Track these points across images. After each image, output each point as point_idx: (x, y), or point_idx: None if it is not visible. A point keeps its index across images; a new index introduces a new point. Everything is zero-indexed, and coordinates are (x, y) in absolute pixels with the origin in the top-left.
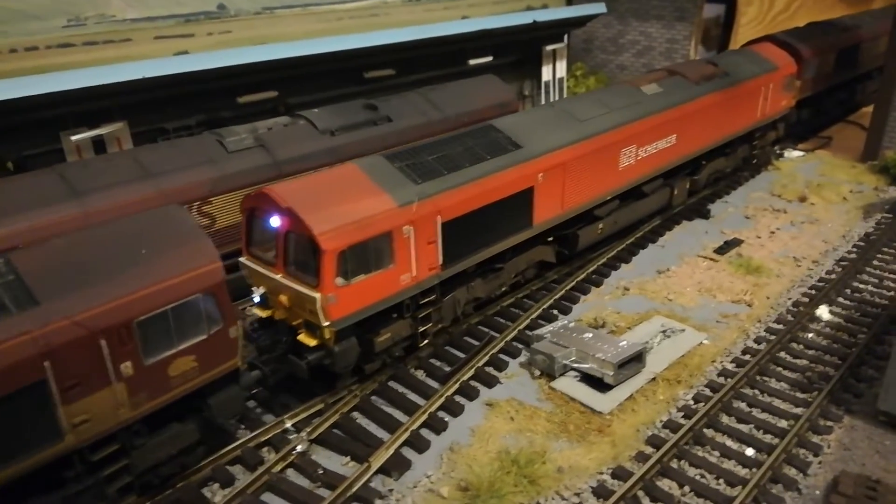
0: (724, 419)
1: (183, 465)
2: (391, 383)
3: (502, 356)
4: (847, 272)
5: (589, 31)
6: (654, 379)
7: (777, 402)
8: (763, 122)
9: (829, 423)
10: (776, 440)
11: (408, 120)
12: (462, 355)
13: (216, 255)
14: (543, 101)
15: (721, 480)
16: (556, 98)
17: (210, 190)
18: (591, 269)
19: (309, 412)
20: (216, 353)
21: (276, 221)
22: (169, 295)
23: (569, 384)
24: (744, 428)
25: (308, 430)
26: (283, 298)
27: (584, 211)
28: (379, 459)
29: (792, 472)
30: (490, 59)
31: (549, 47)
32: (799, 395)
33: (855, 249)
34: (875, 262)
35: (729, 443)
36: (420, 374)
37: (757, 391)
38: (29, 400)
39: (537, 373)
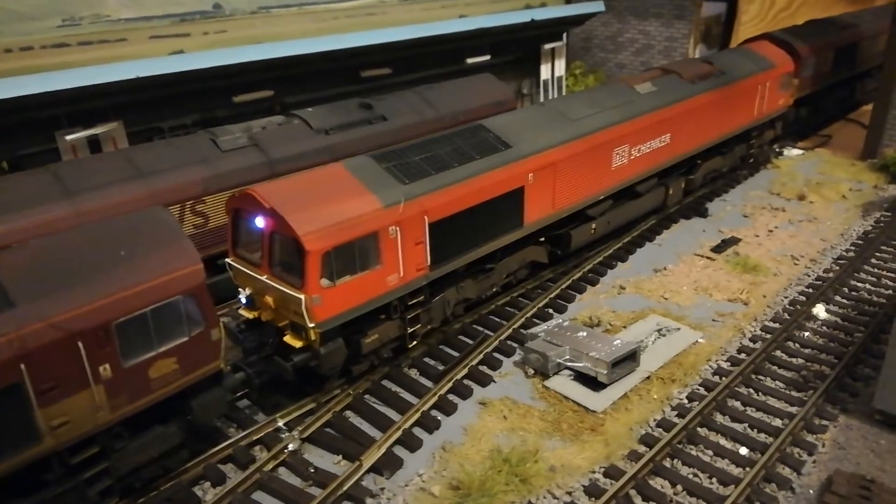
0: (719, 418)
1: (166, 467)
2: (384, 382)
3: (496, 355)
4: (845, 270)
5: (588, 30)
6: (648, 378)
7: (772, 401)
8: (760, 121)
9: (825, 422)
10: (770, 439)
11: (403, 119)
12: (456, 354)
13: (197, 257)
14: (542, 100)
15: (714, 480)
16: (556, 97)
17: (203, 189)
18: (587, 267)
19: (301, 411)
20: (198, 355)
21: (260, 222)
22: (148, 297)
23: (562, 383)
24: (738, 427)
25: (300, 428)
26: (269, 299)
27: (577, 211)
28: (371, 458)
29: (786, 471)
30: (488, 57)
31: (548, 46)
32: (794, 393)
33: (853, 248)
34: (873, 261)
35: (723, 442)
36: (413, 373)
37: (752, 390)
38: (5, 402)
39: (531, 372)
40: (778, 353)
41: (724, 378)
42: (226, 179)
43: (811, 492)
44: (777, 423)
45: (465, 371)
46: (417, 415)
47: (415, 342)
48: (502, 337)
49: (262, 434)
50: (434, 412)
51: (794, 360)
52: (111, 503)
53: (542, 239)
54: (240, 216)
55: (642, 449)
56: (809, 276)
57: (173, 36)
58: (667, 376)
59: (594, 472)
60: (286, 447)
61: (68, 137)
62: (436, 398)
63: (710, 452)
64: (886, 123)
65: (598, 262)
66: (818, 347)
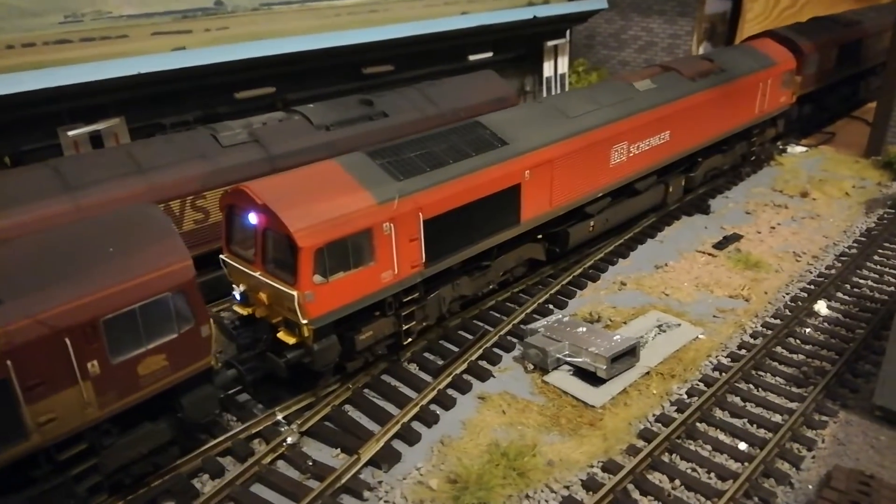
0: (718, 413)
1: (156, 464)
2: (383, 376)
3: (496, 350)
4: (847, 267)
5: (591, 27)
6: (647, 373)
7: (772, 397)
8: (761, 119)
9: (824, 418)
10: (770, 435)
11: (404, 115)
12: (455, 349)
13: (187, 254)
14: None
15: (713, 474)
16: (554, 94)
17: (203, 184)
18: (588, 263)
19: (301, 405)
20: (188, 352)
21: (253, 218)
22: (137, 293)
23: (562, 378)
24: (737, 422)
25: (299, 422)
26: (263, 296)
27: (575, 208)
28: (369, 451)
29: (785, 466)
30: (490, 54)
31: (551, 43)
32: (794, 389)
33: (856, 245)
34: (876, 258)
35: (722, 437)
36: (413, 368)
37: (752, 386)
38: None
39: (531, 367)
40: (778, 349)
41: (723, 374)
42: (226, 175)
43: (810, 487)
44: (777, 418)
45: (465, 366)
46: (416, 409)
47: (410, 339)
48: (502, 332)
49: (261, 427)
50: (433, 406)
51: (794, 356)
52: (100, 500)
53: (540, 236)
54: (233, 212)
55: (641, 444)
56: (811, 272)
57: (175, 33)
58: (666, 372)
59: (592, 467)
60: (285, 440)
61: (70, 133)
62: (435, 393)
63: (709, 447)
64: (890, 121)
65: (599, 259)
66: (819, 344)
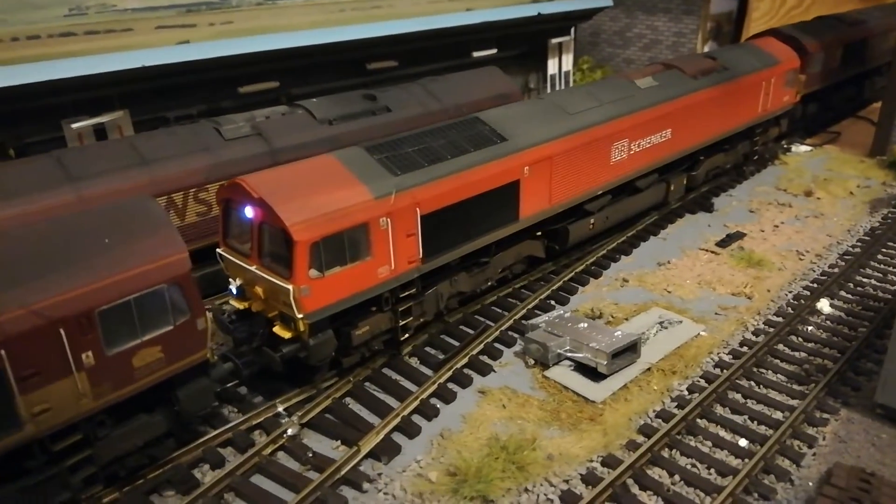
0: (718, 410)
1: (151, 456)
2: (384, 370)
3: (497, 345)
4: (850, 266)
5: (595, 25)
6: (649, 369)
7: (773, 394)
8: (764, 118)
9: (826, 416)
10: (770, 431)
11: (407, 110)
12: (456, 343)
13: (183, 246)
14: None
15: (712, 470)
16: (554, 90)
17: (206, 177)
18: (591, 260)
19: (301, 396)
20: (183, 345)
21: (249, 212)
22: (132, 285)
23: (562, 373)
24: (738, 419)
25: (299, 413)
26: (259, 290)
27: (575, 206)
28: (369, 444)
29: (785, 463)
30: (494, 51)
31: (555, 40)
32: (796, 387)
33: (860, 244)
34: (879, 257)
35: (722, 433)
36: (414, 362)
37: (753, 383)
38: None
39: (531, 362)
40: (780, 346)
41: (725, 370)
42: (228, 168)
43: (810, 484)
44: (777, 415)
45: (466, 360)
46: (416, 402)
47: (407, 335)
48: (503, 327)
49: (261, 419)
50: (433, 400)
51: (796, 353)
52: (95, 491)
53: (539, 233)
54: (230, 206)
55: (641, 439)
56: (814, 271)
57: (179, 26)
58: (667, 368)
59: (592, 461)
60: (285, 432)
61: (74, 126)
62: (435, 386)
63: (709, 443)
64: (895, 120)
65: (601, 255)
66: (821, 342)
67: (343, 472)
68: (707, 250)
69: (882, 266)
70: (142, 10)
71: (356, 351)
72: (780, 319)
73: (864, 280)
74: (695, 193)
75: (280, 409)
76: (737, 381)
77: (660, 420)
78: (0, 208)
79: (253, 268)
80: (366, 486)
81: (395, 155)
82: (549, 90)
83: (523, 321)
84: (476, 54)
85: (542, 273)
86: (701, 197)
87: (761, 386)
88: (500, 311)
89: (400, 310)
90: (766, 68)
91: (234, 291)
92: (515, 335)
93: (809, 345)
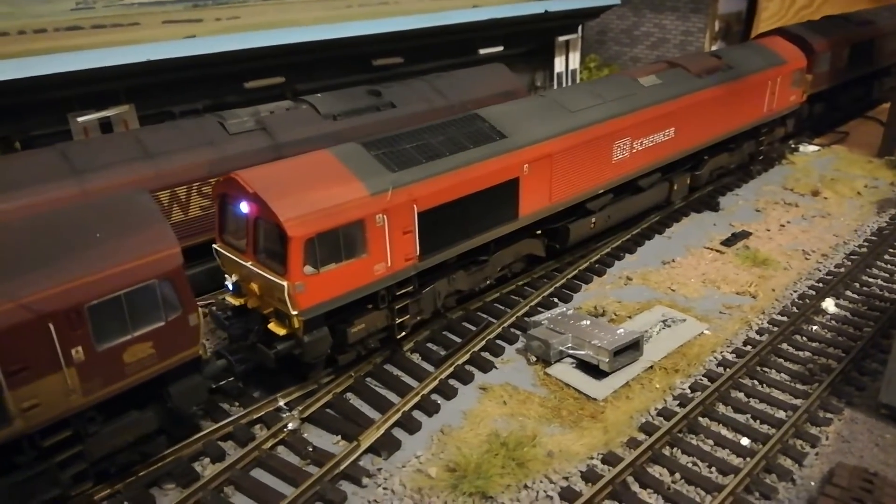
0: (721, 408)
1: (143, 453)
2: (386, 366)
3: (499, 342)
4: (857, 266)
5: (603, 23)
6: (651, 367)
7: (776, 393)
8: (770, 118)
9: (829, 415)
10: (773, 431)
11: (412, 106)
12: (458, 340)
13: (175, 241)
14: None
15: (714, 469)
16: (556, 88)
17: (210, 171)
18: (595, 258)
19: (303, 391)
20: (175, 341)
21: (245, 207)
22: (122, 280)
23: (564, 370)
24: (740, 418)
25: (300, 408)
26: (254, 286)
27: (575, 204)
28: (369, 439)
29: (787, 462)
30: (500, 48)
31: (562, 38)
32: (799, 386)
33: (866, 244)
34: (886, 257)
35: (724, 432)
36: (416, 358)
37: (756, 382)
38: None
39: (533, 359)
40: (784, 345)
41: (727, 369)
42: (232, 162)
43: (812, 483)
44: (780, 415)
45: (467, 356)
46: (417, 398)
47: (403, 333)
48: (506, 324)
49: (262, 413)
50: (434, 396)
51: (800, 353)
52: (85, 487)
53: (539, 232)
54: (226, 201)
55: (642, 437)
56: (820, 270)
57: (186, 21)
58: (670, 366)
59: (592, 459)
60: (286, 426)
61: (80, 119)
62: (436, 382)
63: (711, 442)
64: None
65: (605, 253)
66: (826, 341)
67: (342, 467)
68: (712, 249)
69: (888, 266)
70: (149, 5)
71: (352, 348)
72: (784, 319)
73: (871, 280)
74: (699, 193)
75: (281, 403)
76: (740, 379)
77: (661, 418)
78: (4, 201)
79: (248, 264)
80: (365, 481)
81: (393, 151)
82: (555, 88)
83: (526, 318)
84: (482, 51)
85: (546, 270)
86: (707, 196)
87: (764, 385)
88: (502, 307)
89: (396, 307)
90: (772, 68)
91: (230, 287)
92: (518, 332)
93: (814, 344)
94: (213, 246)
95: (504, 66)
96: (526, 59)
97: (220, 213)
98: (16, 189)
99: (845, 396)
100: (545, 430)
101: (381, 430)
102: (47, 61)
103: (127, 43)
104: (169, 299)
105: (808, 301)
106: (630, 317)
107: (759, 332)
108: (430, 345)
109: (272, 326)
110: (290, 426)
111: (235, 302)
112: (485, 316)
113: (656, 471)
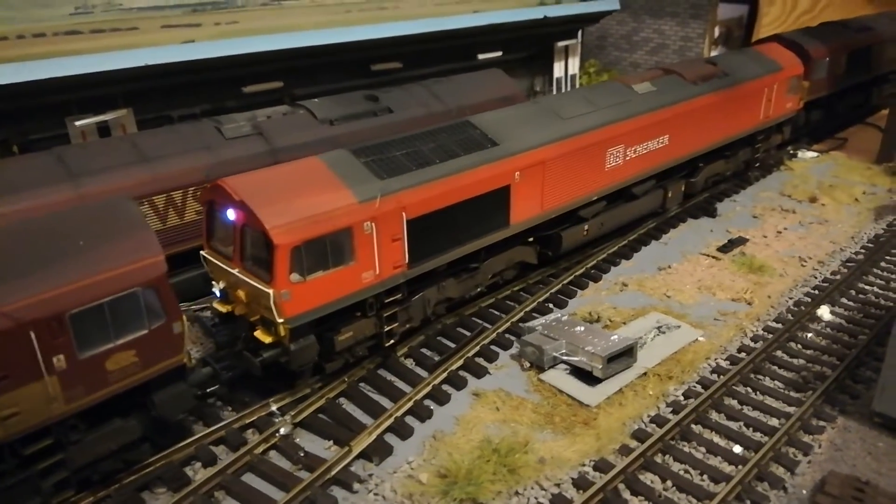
0: (714, 416)
1: (126, 461)
2: (379, 371)
3: (493, 347)
4: (853, 273)
5: (602, 28)
6: (645, 374)
7: (769, 401)
8: (766, 125)
9: (822, 423)
10: (765, 438)
11: (409, 111)
12: (452, 345)
13: (159, 249)
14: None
15: (705, 476)
16: (549, 95)
17: (206, 176)
18: (591, 264)
19: (295, 396)
20: (159, 349)
21: (231, 214)
22: (105, 288)
23: (558, 376)
24: (733, 425)
25: (293, 413)
26: (241, 294)
27: (568, 212)
28: (360, 444)
29: (779, 470)
30: (499, 53)
31: (561, 43)
32: (793, 394)
33: (863, 251)
34: (883, 264)
35: (717, 439)
36: (409, 363)
37: (750, 389)
38: None
39: (527, 365)
40: (779, 353)
41: (721, 376)
42: (228, 167)
43: (804, 492)
44: (773, 422)
45: (461, 362)
46: (410, 403)
47: (392, 341)
48: (500, 330)
49: (254, 418)
50: (427, 401)
51: (794, 360)
52: (67, 496)
53: (531, 239)
54: (213, 208)
55: (634, 444)
56: (816, 277)
57: (185, 26)
58: (664, 373)
59: (584, 465)
60: (278, 431)
61: (78, 123)
62: (429, 388)
63: (703, 449)
64: None
65: (601, 259)
66: (820, 349)
67: (334, 472)
68: (708, 255)
69: (885, 273)
70: (147, 9)
71: (339, 357)
72: (779, 326)
73: (867, 287)
74: (694, 200)
75: (273, 408)
76: (733, 387)
77: (654, 425)
78: (1, 205)
79: (235, 271)
80: (356, 486)
81: (382, 158)
82: (548, 95)
83: (520, 324)
84: (482, 57)
85: (542, 276)
86: (704, 202)
87: (758, 392)
88: (497, 313)
89: (385, 315)
90: (769, 74)
91: (218, 294)
92: (512, 338)
93: (808, 352)
94: (201, 252)
95: (501, 71)
96: (525, 64)
97: (208, 220)
98: (12, 193)
99: (839, 404)
100: (537, 436)
101: (374, 436)
102: (46, 65)
103: (125, 47)
104: (153, 307)
105: (803, 308)
106: (625, 323)
107: (754, 339)
108: (423, 350)
109: (258, 334)
110: (283, 431)
111: (223, 309)
112: (479, 321)
113: (648, 478)
